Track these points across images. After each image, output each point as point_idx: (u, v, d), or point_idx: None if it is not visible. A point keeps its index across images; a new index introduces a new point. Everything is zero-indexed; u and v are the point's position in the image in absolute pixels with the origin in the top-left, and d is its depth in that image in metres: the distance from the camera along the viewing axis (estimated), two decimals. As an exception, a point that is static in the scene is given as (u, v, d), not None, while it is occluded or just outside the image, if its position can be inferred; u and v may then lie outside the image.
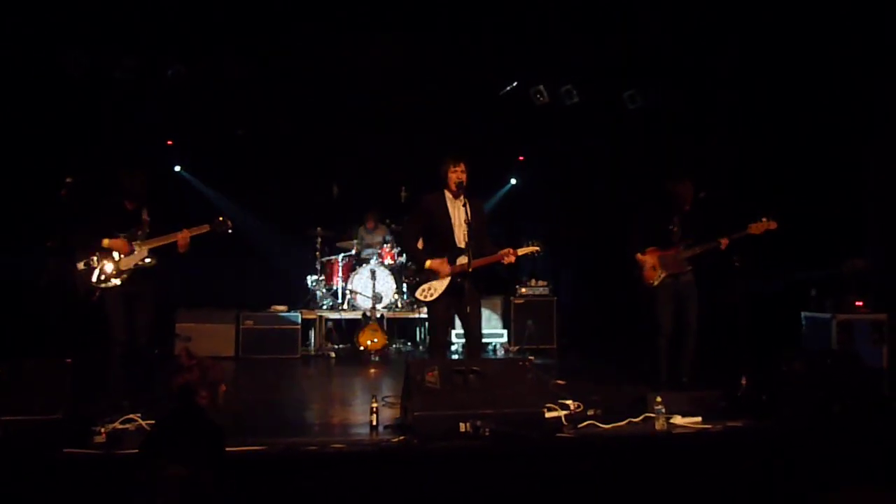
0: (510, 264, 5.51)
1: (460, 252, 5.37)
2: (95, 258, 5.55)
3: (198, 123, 9.94)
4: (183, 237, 5.65)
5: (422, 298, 5.48)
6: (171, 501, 2.60)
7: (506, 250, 5.46)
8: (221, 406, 3.50)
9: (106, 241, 5.55)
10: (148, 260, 5.65)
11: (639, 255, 6.23)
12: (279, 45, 8.61)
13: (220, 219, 5.83)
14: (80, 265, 5.55)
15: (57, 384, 4.59)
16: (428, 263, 5.42)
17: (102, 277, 5.53)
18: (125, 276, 5.58)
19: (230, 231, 5.85)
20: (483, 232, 5.58)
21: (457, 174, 5.48)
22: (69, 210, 5.57)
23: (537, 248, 5.52)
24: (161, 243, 5.67)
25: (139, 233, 5.69)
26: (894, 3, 6.69)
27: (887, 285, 6.66)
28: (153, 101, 9.11)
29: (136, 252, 5.62)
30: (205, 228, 5.74)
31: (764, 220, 5.89)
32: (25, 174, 8.15)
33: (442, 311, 5.47)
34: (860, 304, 6.52)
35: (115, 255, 5.60)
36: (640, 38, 8.29)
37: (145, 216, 5.74)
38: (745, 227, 5.92)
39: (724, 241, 5.97)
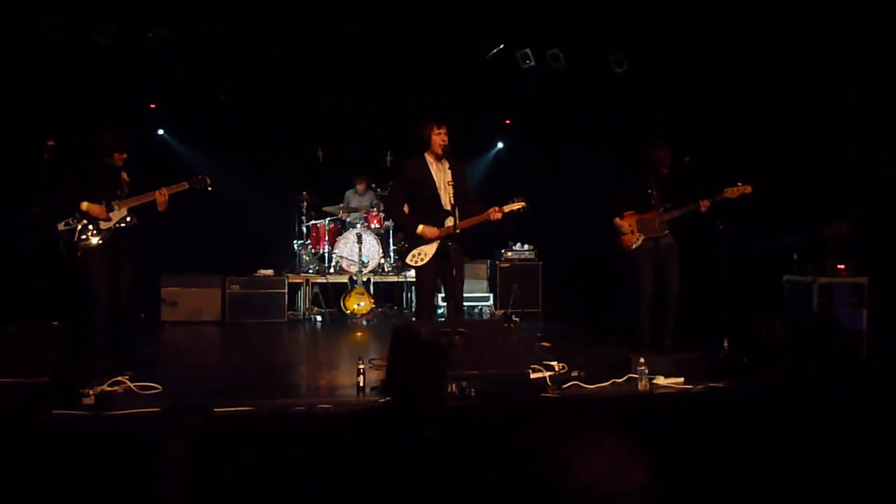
0: (497, 222, 5.50)
1: (447, 214, 5.38)
2: (75, 217, 5.53)
3: (180, 87, 9.83)
4: (161, 195, 5.63)
5: (412, 264, 5.49)
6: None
7: (492, 208, 5.46)
8: (443, 402, 2.99)
9: (84, 205, 5.51)
10: (128, 219, 5.63)
11: (617, 220, 6.25)
12: (261, 9, 8.49)
13: (199, 176, 5.84)
14: (61, 225, 5.53)
15: (44, 347, 4.60)
16: (420, 229, 5.42)
17: (84, 237, 5.51)
18: (106, 235, 5.56)
19: (209, 188, 5.86)
20: (466, 191, 5.59)
21: (441, 136, 5.46)
22: (52, 174, 5.55)
23: (523, 204, 5.49)
24: (140, 202, 5.66)
25: (119, 192, 5.66)
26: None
27: (868, 249, 6.73)
28: (134, 65, 8.98)
29: (115, 211, 5.60)
30: (183, 186, 5.73)
31: (739, 184, 5.96)
32: (4, 139, 8.05)
33: (430, 274, 5.50)
34: (841, 267, 6.60)
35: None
36: (626, 2, 8.26)
37: (125, 176, 5.71)
38: (722, 191, 5.98)
39: (705, 203, 5.99)
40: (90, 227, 5.54)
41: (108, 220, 5.58)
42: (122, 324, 5.72)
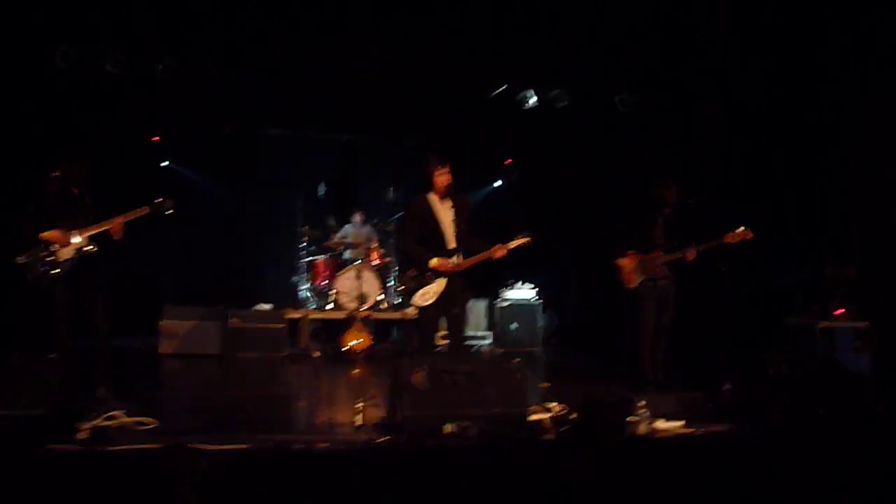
0: (502, 258, 5.47)
1: (452, 252, 5.37)
2: (36, 249, 5.49)
3: (185, 120, 9.90)
4: (116, 224, 5.58)
5: (421, 303, 5.44)
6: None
7: (496, 246, 5.44)
8: None
9: (46, 234, 5.49)
10: (89, 247, 5.59)
11: (619, 260, 6.30)
12: (269, 45, 8.59)
13: (161, 199, 5.75)
14: (21, 258, 5.51)
15: (42, 379, 4.54)
16: (434, 262, 5.38)
17: (44, 269, 5.47)
18: (67, 265, 5.53)
19: (171, 211, 5.75)
20: (469, 230, 5.59)
21: (444, 176, 5.47)
22: (56, 203, 5.56)
23: (528, 239, 5.48)
24: (99, 230, 5.61)
25: (81, 221, 5.62)
26: (878, 12, 6.76)
27: (871, 293, 6.71)
28: (142, 96, 9.06)
29: (76, 240, 5.56)
30: (143, 211, 5.66)
31: (742, 229, 5.98)
32: (9, 167, 8.08)
33: (434, 313, 5.47)
34: (844, 310, 6.58)
35: (55, 245, 5.56)
36: (630, 44, 8.35)
37: (88, 202, 5.68)
38: (722, 237, 5.99)
39: (692, 254, 6.05)
40: (50, 258, 5.50)
41: (69, 244, 5.53)
42: (105, 354, 5.68)
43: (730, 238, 5.98)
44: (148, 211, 5.69)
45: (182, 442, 4.29)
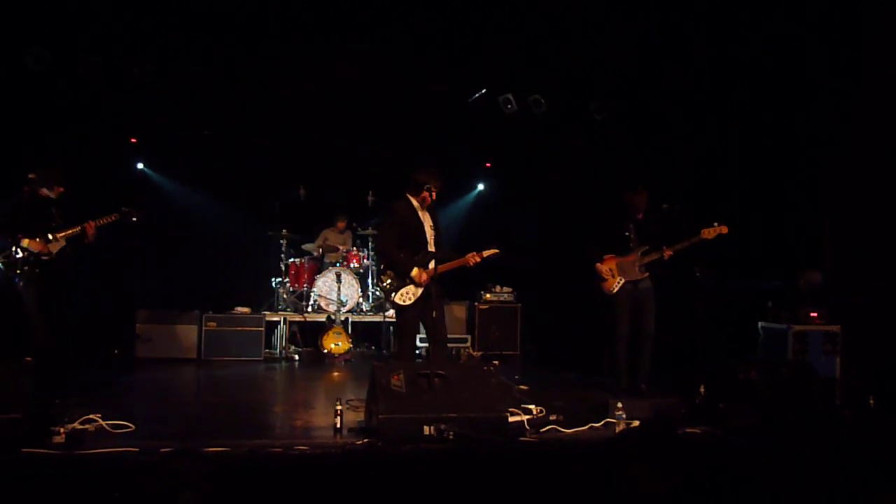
0: (476, 266, 5.63)
1: (431, 256, 5.51)
2: (14, 249, 5.59)
3: (163, 122, 9.84)
4: (90, 227, 5.81)
5: (400, 302, 5.53)
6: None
7: (471, 253, 5.60)
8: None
9: (25, 242, 5.62)
10: (66, 249, 5.80)
11: (598, 265, 6.37)
12: (248, 49, 8.57)
13: (128, 208, 6.07)
14: (1, 259, 5.60)
15: (16, 383, 4.51)
16: (414, 272, 5.48)
17: (26, 268, 5.57)
18: (46, 266, 5.66)
19: (135, 220, 6.09)
20: (443, 238, 5.75)
21: (433, 194, 5.57)
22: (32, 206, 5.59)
23: (497, 251, 5.68)
24: (73, 233, 5.82)
25: (52, 223, 5.79)
26: (851, 20, 6.89)
27: (841, 297, 6.84)
28: (118, 99, 8.99)
29: (54, 242, 5.73)
30: (112, 217, 5.96)
31: (716, 224, 6.09)
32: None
33: (413, 315, 5.56)
34: (815, 315, 6.69)
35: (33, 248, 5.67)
36: (605, 51, 8.42)
37: (60, 206, 5.88)
38: (699, 232, 6.10)
39: (668, 252, 6.17)
40: (31, 259, 5.61)
41: (49, 253, 5.69)
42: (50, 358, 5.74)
43: (706, 233, 6.07)
44: (117, 217, 5.94)
45: (159, 446, 4.30)
